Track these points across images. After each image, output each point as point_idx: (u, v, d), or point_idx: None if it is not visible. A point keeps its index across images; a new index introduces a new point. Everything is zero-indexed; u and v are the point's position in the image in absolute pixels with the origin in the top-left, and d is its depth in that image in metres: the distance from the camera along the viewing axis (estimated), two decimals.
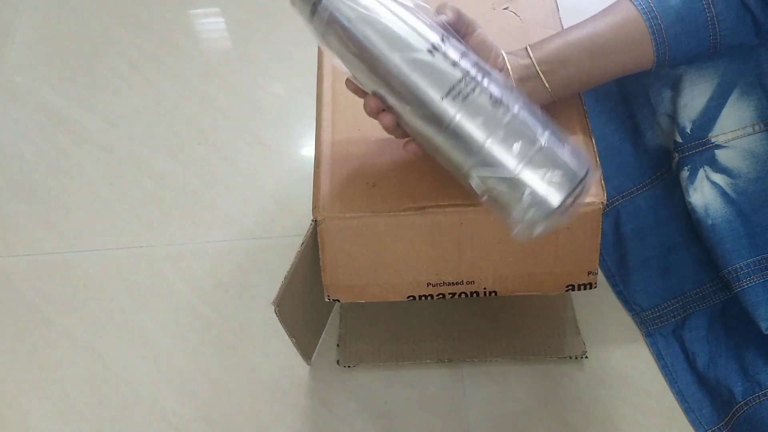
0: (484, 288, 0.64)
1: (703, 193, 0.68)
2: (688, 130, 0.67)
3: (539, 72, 0.57)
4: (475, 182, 0.51)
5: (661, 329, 0.77)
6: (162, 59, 1.12)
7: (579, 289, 0.64)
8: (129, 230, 0.93)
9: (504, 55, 0.58)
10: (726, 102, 0.65)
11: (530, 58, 0.58)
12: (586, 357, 0.77)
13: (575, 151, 0.51)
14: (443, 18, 0.53)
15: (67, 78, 1.11)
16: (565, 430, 0.74)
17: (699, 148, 0.67)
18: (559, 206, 0.49)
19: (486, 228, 0.60)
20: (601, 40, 0.58)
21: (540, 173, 0.49)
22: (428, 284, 0.64)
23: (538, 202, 0.49)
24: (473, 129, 0.49)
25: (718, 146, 0.66)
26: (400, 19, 0.50)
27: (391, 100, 0.51)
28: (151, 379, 0.81)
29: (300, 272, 0.63)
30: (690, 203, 0.69)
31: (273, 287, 0.62)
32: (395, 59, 0.49)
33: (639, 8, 0.57)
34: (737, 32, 0.59)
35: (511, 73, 0.57)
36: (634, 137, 0.76)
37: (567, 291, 0.65)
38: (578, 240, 0.61)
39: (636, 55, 0.59)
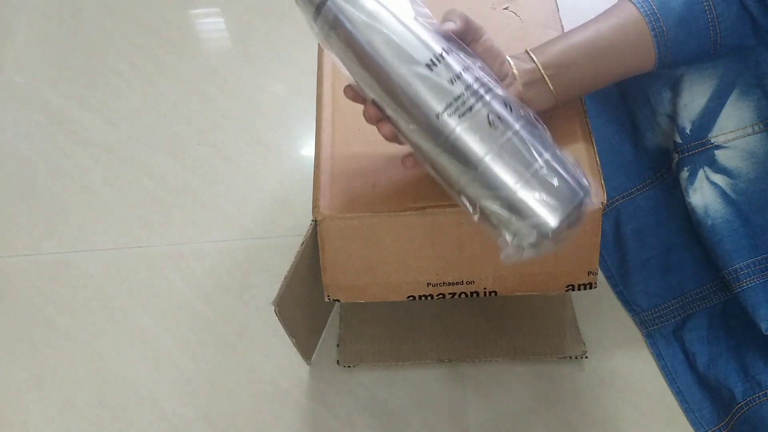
0: (484, 288, 0.64)
1: (703, 194, 0.68)
2: (687, 131, 0.67)
3: (545, 76, 0.57)
4: (467, 200, 0.50)
5: (661, 329, 0.77)
6: (162, 59, 1.12)
7: (579, 289, 0.64)
8: (129, 230, 0.93)
9: (509, 60, 0.56)
10: (725, 102, 0.65)
11: (534, 62, 0.57)
12: (586, 357, 0.77)
13: (575, 175, 0.50)
14: (450, 26, 0.51)
15: (67, 78, 1.11)
16: (565, 430, 0.74)
17: (699, 149, 0.67)
18: (551, 233, 0.48)
19: None
20: (604, 42, 0.58)
21: (534, 197, 0.48)
22: (428, 284, 0.64)
23: (529, 226, 0.48)
24: (469, 147, 0.48)
25: (718, 146, 0.66)
26: (405, 27, 0.49)
27: (389, 110, 0.51)
28: (151, 379, 0.81)
29: (300, 272, 0.63)
30: (690, 204, 0.69)
31: (273, 287, 0.62)
32: (394, 70, 0.48)
33: (641, 10, 0.57)
34: (737, 33, 0.59)
35: (517, 78, 0.56)
36: (634, 137, 0.76)
37: (567, 291, 0.65)
38: (578, 240, 0.61)
39: (638, 58, 0.59)
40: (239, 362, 0.81)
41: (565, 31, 0.69)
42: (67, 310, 0.87)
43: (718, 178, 0.67)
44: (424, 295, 0.65)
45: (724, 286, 0.73)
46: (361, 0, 0.48)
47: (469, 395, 0.77)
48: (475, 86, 0.49)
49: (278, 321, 0.64)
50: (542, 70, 0.56)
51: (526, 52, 0.58)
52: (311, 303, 0.71)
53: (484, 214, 0.50)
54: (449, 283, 0.64)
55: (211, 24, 1.20)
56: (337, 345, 0.80)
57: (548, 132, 0.51)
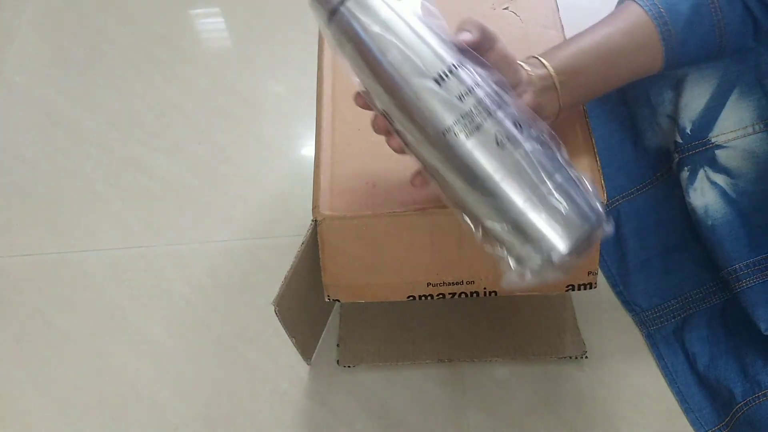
0: (484, 288, 0.64)
1: (703, 194, 0.68)
2: (688, 131, 0.67)
3: (556, 83, 0.56)
4: (471, 220, 0.49)
5: (661, 330, 0.77)
6: (162, 59, 1.12)
7: (579, 289, 0.64)
8: (129, 230, 0.93)
9: (525, 66, 0.55)
10: (726, 102, 0.65)
11: (546, 67, 0.56)
12: (586, 357, 0.77)
13: (587, 200, 0.48)
14: (466, 37, 0.49)
15: (67, 78, 1.11)
16: (565, 430, 0.74)
17: (699, 149, 0.67)
18: (556, 260, 0.46)
19: None
20: (614, 46, 0.57)
21: (541, 222, 0.46)
22: (428, 284, 0.64)
23: (533, 252, 0.47)
24: (475, 166, 0.46)
25: (718, 146, 0.66)
26: (418, 37, 0.47)
27: (397, 123, 0.49)
28: (151, 379, 0.81)
29: (300, 272, 0.63)
30: (690, 204, 0.69)
31: (273, 287, 0.62)
32: (402, 83, 0.47)
33: (649, 13, 0.57)
34: (739, 34, 0.60)
35: (532, 84, 0.55)
36: (633, 137, 0.76)
37: (567, 291, 0.65)
38: None
39: (646, 61, 0.59)
40: (239, 362, 0.81)
41: (565, 29, 0.69)
42: (67, 310, 0.87)
43: (719, 178, 0.67)
44: (424, 295, 0.65)
45: (723, 286, 0.73)
46: (376, 8, 0.47)
47: (469, 395, 0.77)
48: (485, 103, 0.47)
49: (278, 321, 0.64)
50: (554, 77, 0.55)
51: (536, 58, 0.57)
52: (311, 303, 0.71)
53: (488, 236, 0.49)
54: (449, 283, 0.64)
55: (211, 24, 1.20)
56: (337, 345, 0.80)
57: (563, 149, 0.49)
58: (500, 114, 0.47)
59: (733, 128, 0.66)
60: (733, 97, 0.65)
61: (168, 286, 0.88)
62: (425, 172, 0.51)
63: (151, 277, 0.89)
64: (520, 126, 0.47)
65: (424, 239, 0.61)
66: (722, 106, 0.66)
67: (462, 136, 0.46)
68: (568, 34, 0.69)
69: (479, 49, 0.50)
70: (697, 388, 0.73)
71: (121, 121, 1.04)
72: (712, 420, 0.72)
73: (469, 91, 0.47)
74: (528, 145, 0.47)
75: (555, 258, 0.46)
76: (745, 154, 0.66)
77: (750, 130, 0.65)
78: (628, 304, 0.80)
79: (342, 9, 0.47)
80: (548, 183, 0.46)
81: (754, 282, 0.67)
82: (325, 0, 0.48)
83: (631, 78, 0.61)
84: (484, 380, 0.77)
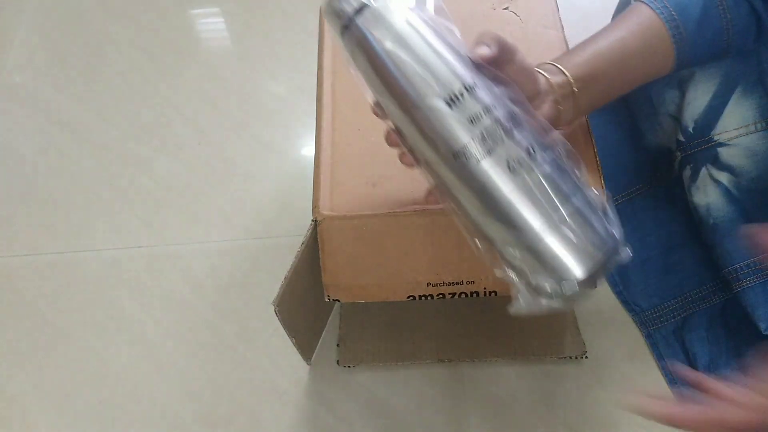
0: (484, 288, 0.64)
1: (706, 192, 0.68)
2: (690, 129, 0.67)
3: (575, 90, 0.54)
4: (482, 242, 0.48)
5: (661, 329, 0.77)
6: (162, 59, 1.12)
7: None
8: (129, 230, 0.93)
9: (545, 74, 0.54)
10: (728, 101, 0.65)
11: (565, 75, 0.54)
12: (586, 357, 0.77)
13: (603, 226, 0.46)
14: (484, 52, 0.47)
15: (67, 78, 1.11)
16: (565, 430, 0.74)
17: (701, 146, 0.67)
18: (566, 290, 0.45)
19: None
20: (629, 51, 0.57)
21: (551, 251, 0.45)
22: (428, 284, 0.64)
23: (543, 280, 0.45)
24: (486, 191, 0.45)
25: (721, 144, 0.66)
26: (433, 53, 0.46)
27: (408, 140, 0.48)
28: (151, 379, 0.81)
29: (300, 272, 0.63)
30: (692, 202, 0.69)
31: (273, 287, 0.62)
32: (414, 103, 0.46)
33: (661, 16, 0.57)
34: (744, 35, 0.60)
35: (553, 93, 0.54)
36: (633, 137, 0.76)
37: None
38: None
39: (659, 64, 0.59)
40: (239, 362, 0.81)
41: (565, 29, 0.69)
42: (67, 310, 0.87)
43: (723, 176, 0.67)
44: (424, 295, 0.65)
45: (723, 285, 0.73)
46: (390, 22, 0.46)
47: (469, 395, 0.77)
48: (498, 127, 0.45)
49: (278, 321, 0.64)
50: (573, 84, 0.54)
51: (554, 65, 0.55)
52: (311, 303, 0.71)
53: (499, 260, 0.48)
54: (449, 283, 0.64)
55: (211, 24, 1.20)
56: (337, 345, 0.80)
57: (582, 168, 0.48)
58: (514, 138, 0.45)
59: (735, 126, 0.66)
60: (736, 96, 0.65)
61: (168, 286, 0.88)
62: (437, 191, 0.50)
63: (151, 277, 0.89)
64: (535, 149, 0.46)
65: (424, 239, 0.61)
66: (725, 104, 0.66)
67: (473, 160, 0.45)
68: (568, 34, 0.69)
69: (497, 63, 0.48)
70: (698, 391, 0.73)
71: (121, 121, 1.04)
72: None
73: (483, 113, 0.45)
74: (542, 170, 0.45)
75: (567, 287, 0.45)
76: (747, 152, 0.66)
77: (752, 128, 0.65)
78: (628, 304, 0.80)
79: (356, 22, 0.46)
80: (562, 209, 0.45)
81: (755, 282, 0.67)
82: (339, 12, 0.47)
83: (644, 81, 0.60)
84: (484, 380, 0.77)
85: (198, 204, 0.95)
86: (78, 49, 1.15)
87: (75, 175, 0.99)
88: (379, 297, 0.65)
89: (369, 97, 0.49)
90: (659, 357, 0.76)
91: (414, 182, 0.60)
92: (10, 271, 0.91)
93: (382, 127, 0.52)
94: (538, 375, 0.77)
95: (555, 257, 0.45)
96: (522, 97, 0.49)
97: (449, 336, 0.79)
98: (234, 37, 1.18)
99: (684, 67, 0.60)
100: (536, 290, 0.46)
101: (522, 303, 0.47)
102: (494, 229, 0.46)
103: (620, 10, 0.70)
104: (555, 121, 0.53)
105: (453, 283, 0.64)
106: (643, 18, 0.57)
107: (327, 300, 0.65)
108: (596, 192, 0.48)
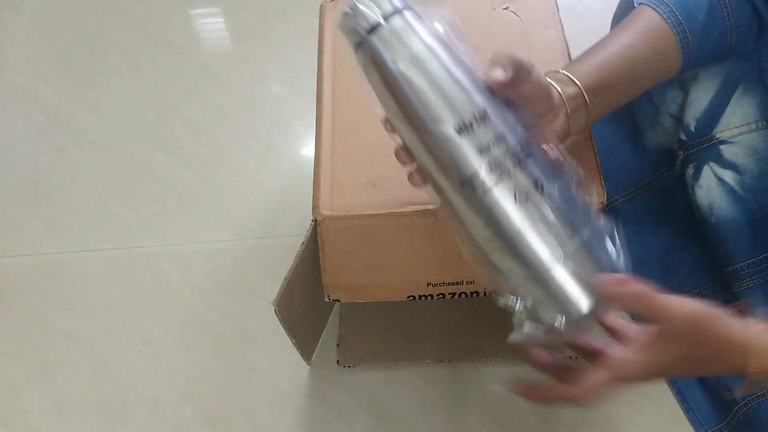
0: (484, 288, 0.64)
1: (709, 191, 0.68)
2: (692, 128, 0.67)
3: (587, 101, 0.54)
4: (482, 268, 0.48)
5: None
6: (162, 59, 1.12)
7: None
8: (129, 230, 0.93)
9: (557, 87, 0.53)
10: (730, 99, 0.66)
11: (576, 85, 0.54)
12: None
13: (609, 258, 0.46)
14: (498, 77, 0.46)
15: (67, 78, 1.11)
16: (565, 430, 0.74)
17: (704, 145, 0.67)
18: (564, 325, 0.45)
19: None
20: (638, 58, 0.56)
21: (554, 286, 0.44)
22: (428, 284, 0.64)
23: (543, 314, 0.45)
24: (492, 222, 0.45)
25: (723, 142, 0.66)
26: (447, 77, 0.45)
27: (417, 161, 0.48)
28: (151, 379, 0.81)
29: (300, 272, 0.63)
30: (695, 201, 0.69)
31: (273, 287, 0.62)
32: (423, 127, 0.45)
33: (668, 21, 0.56)
34: (746, 36, 0.60)
35: (566, 105, 0.53)
36: (633, 137, 0.76)
37: None
38: None
39: (666, 68, 0.59)
40: (239, 362, 0.81)
41: (565, 29, 0.69)
42: (67, 310, 0.87)
43: (727, 174, 0.66)
44: (424, 295, 0.65)
45: (724, 285, 0.73)
46: (407, 41, 0.45)
47: (469, 395, 0.77)
48: (507, 158, 0.44)
49: (278, 321, 0.64)
50: (585, 95, 0.54)
51: (565, 74, 0.54)
52: (311, 303, 0.71)
53: (502, 289, 0.47)
54: (449, 283, 0.64)
55: (211, 24, 1.20)
56: (337, 345, 0.80)
57: (591, 197, 0.47)
58: (523, 169, 0.45)
59: (737, 124, 0.66)
60: (737, 94, 0.65)
61: (168, 286, 0.88)
62: (443, 212, 0.49)
63: (151, 277, 0.89)
64: (544, 181, 0.45)
65: (424, 239, 0.61)
66: (726, 102, 0.66)
67: (480, 190, 0.44)
68: (568, 34, 0.69)
69: (512, 83, 0.47)
70: (697, 388, 0.73)
71: (121, 121, 1.04)
72: (712, 420, 0.72)
73: (493, 143, 0.44)
74: (550, 203, 0.45)
75: (571, 321, 0.45)
76: (750, 150, 0.66)
77: (753, 126, 0.65)
78: None
79: (371, 39, 0.45)
80: (569, 243, 0.44)
81: (754, 282, 0.67)
82: (354, 28, 0.46)
83: (651, 86, 0.61)
84: (484, 380, 0.77)
85: (198, 204, 0.95)
86: (78, 49, 1.15)
87: (75, 175, 0.99)
88: (379, 297, 0.65)
89: (380, 112, 0.49)
90: None
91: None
92: (10, 271, 0.91)
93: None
94: (537, 375, 0.77)
95: (560, 291, 0.44)
96: (535, 120, 0.48)
97: (449, 336, 0.79)
98: (234, 37, 1.18)
99: (688, 69, 0.60)
100: (539, 321, 0.46)
101: (523, 333, 0.47)
102: (499, 259, 0.46)
103: (622, 11, 0.70)
104: (566, 133, 0.53)
105: (453, 283, 0.64)
106: (651, 23, 0.57)
107: (327, 300, 0.65)
108: (605, 220, 0.47)
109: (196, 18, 1.20)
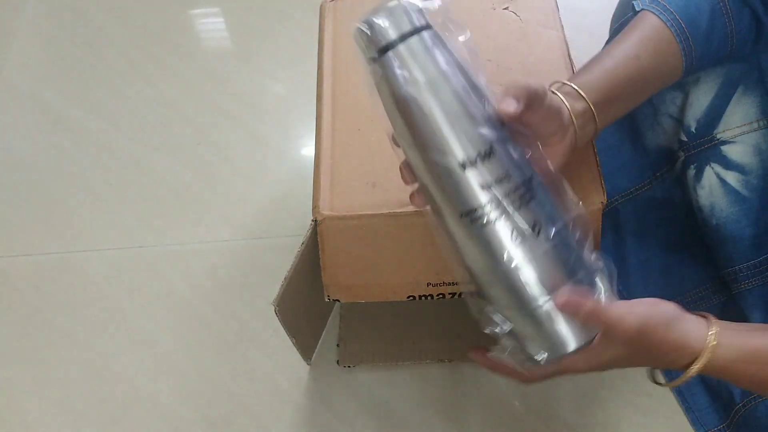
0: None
1: (711, 192, 0.68)
2: (693, 129, 0.67)
3: (595, 116, 0.54)
4: (473, 297, 0.49)
5: None
6: (162, 59, 1.12)
7: None
8: (129, 230, 0.93)
9: (567, 104, 0.52)
10: (730, 99, 0.66)
11: (584, 100, 0.53)
12: None
13: (600, 299, 0.47)
14: (510, 109, 0.45)
15: (67, 78, 1.11)
16: (565, 430, 0.74)
17: (705, 145, 0.67)
18: (548, 361, 0.47)
19: None
20: (644, 69, 0.56)
21: (541, 325, 0.45)
22: (428, 284, 0.64)
23: (527, 347, 0.47)
24: (485, 256, 0.45)
25: (724, 142, 0.66)
26: (460, 106, 0.44)
27: (419, 183, 0.48)
28: (151, 379, 0.81)
29: (300, 272, 0.63)
30: (696, 202, 0.69)
31: (273, 287, 0.62)
32: (430, 157, 0.45)
33: (672, 29, 0.56)
34: (745, 41, 0.60)
35: (575, 122, 0.53)
36: (633, 137, 0.76)
37: None
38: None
39: (669, 76, 0.59)
40: (239, 362, 0.81)
41: (565, 29, 0.69)
42: (67, 311, 0.87)
43: (730, 176, 0.66)
44: (424, 295, 0.65)
45: (723, 286, 0.73)
46: (423, 65, 0.44)
47: (469, 395, 0.77)
48: (509, 197, 0.44)
49: (278, 321, 0.64)
50: (593, 109, 0.54)
51: (574, 88, 0.54)
52: (311, 303, 0.71)
53: (477, 315, 0.49)
54: (449, 283, 0.64)
55: (211, 24, 1.20)
56: (337, 345, 0.80)
57: (589, 238, 0.48)
58: (523, 209, 0.45)
59: (738, 124, 0.66)
60: (738, 95, 0.65)
61: (168, 286, 0.88)
62: (441, 236, 0.50)
63: (151, 277, 0.89)
64: (543, 223, 0.45)
65: (424, 239, 0.61)
66: (727, 103, 0.66)
67: (478, 224, 0.45)
68: (568, 34, 0.69)
69: (524, 111, 0.47)
70: (698, 388, 0.73)
71: (121, 121, 1.04)
72: (713, 420, 0.72)
73: (496, 182, 0.44)
74: (546, 245, 0.45)
75: (554, 358, 0.47)
76: (754, 150, 0.66)
77: (755, 125, 0.65)
78: None
79: (387, 56, 0.44)
80: (560, 285, 0.45)
81: (753, 285, 0.67)
82: (369, 43, 0.45)
83: (654, 93, 0.61)
84: (484, 380, 0.77)
85: (198, 204, 0.95)
86: (78, 49, 1.15)
87: (75, 175, 0.99)
88: (379, 297, 0.65)
89: (387, 128, 0.48)
90: None
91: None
92: (10, 271, 0.91)
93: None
94: None
95: (547, 330, 0.46)
96: (542, 155, 0.48)
97: (449, 336, 0.79)
98: (234, 37, 1.18)
99: (689, 74, 0.60)
100: (521, 352, 0.47)
101: (505, 355, 0.49)
102: (490, 289, 0.47)
103: (621, 11, 0.70)
104: (573, 148, 0.53)
105: (453, 283, 0.64)
106: (654, 31, 0.57)
107: (327, 300, 0.65)
108: (600, 263, 0.48)
109: (196, 18, 1.20)
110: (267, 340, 0.82)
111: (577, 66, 0.66)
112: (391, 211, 0.59)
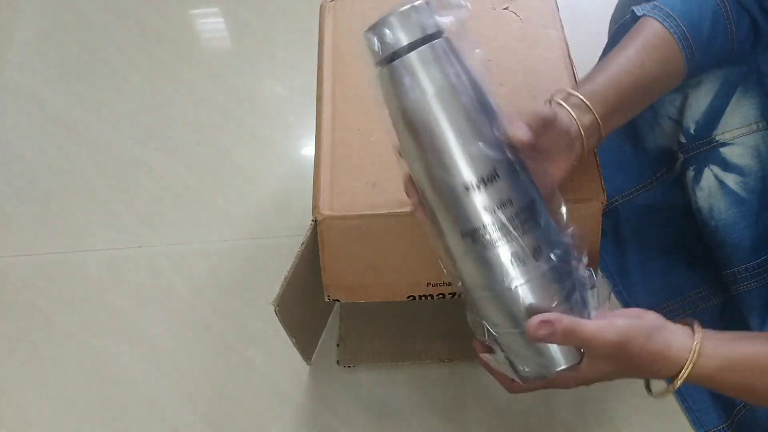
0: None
1: (710, 193, 0.68)
2: (692, 131, 0.67)
3: (601, 128, 0.54)
4: (471, 309, 0.49)
5: None
6: (162, 59, 1.12)
7: None
8: (129, 230, 0.93)
9: (572, 113, 0.52)
10: (729, 101, 0.66)
11: (592, 112, 0.53)
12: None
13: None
14: (522, 137, 0.45)
15: (67, 78, 1.11)
16: (565, 430, 0.74)
17: (704, 147, 0.67)
18: (538, 377, 0.47)
19: None
20: (648, 77, 0.56)
21: (536, 346, 0.46)
22: (428, 284, 0.64)
23: (522, 366, 0.47)
24: (483, 277, 0.46)
25: (723, 144, 0.66)
26: (468, 124, 0.43)
27: (421, 194, 0.47)
28: (151, 379, 0.81)
29: (300, 272, 0.63)
30: (695, 203, 0.69)
31: (273, 287, 0.62)
32: (434, 175, 0.44)
33: (675, 36, 0.56)
34: (745, 44, 0.60)
35: (583, 136, 0.52)
36: (633, 139, 0.76)
37: None
38: (578, 240, 0.61)
39: (671, 83, 0.59)
40: (239, 362, 0.81)
41: (565, 29, 0.69)
42: (67, 310, 0.87)
43: (730, 178, 0.66)
44: (424, 295, 0.65)
45: (722, 287, 0.73)
46: (433, 77, 0.43)
47: (469, 395, 0.77)
48: (510, 222, 0.44)
49: (278, 321, 0.64)
50: (599, 121, 0.54)
51: (582, 100, 0.53)
52: (311, 303, 0.71)
53: (472, 326, 0.49)
54: (449, 283, 0.64)
55: (211, 24, 1.20)
56: (337, 345, 0.80)
57: (585, 262, 0.48)
58: (524, 235, 0.44)
59: (737, 125, 0.66)
60: (736, 96, 0.65)
61: (168, 286, 0.88)
62: (441, 252, 0.49)
63: (151, 277, 0.89)
64: (542, 246, 0.45)
65: (424, 239, 0.61)
66: (726, 104, 0.66)
67: (479, 245, 0.44)
68: (568, 34, 0.69)
69: (535, 137, 0.46)
70: (698, 388, 0.73)
71: (121, 121, 1.04)
72: (713, 420, 0.72)
73: (498, 207, 0.44)
74: (544, 267, 0.45)
75: (544, 375, 0.47)
76: (753, 151, 0.66)
77: (754, 127, 0.65)
78: (628, 304, 0.79)
79: (395, 65, 0.43)
80: (555, 308, 0.45)
81: (752, 286, 0.67)
82: (379, 47, 0.43)
83: (655, 100, 0.61)
84: (484, 380, 0.77)
85: (198, 204, 0.95)
86: (78, 49, 1.15)
87: (75, 175, 0.99)
88: (379, 297, 0.65)
89: (392, 139, 0.47)
90: None
91: None
92: (10, 271, 0.91)
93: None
94: None
95: (536, 352, 0.46)
96: (546, 170, 0.48)
97: (449, 336, 0.79)
98: (234, 37, 1.18)
99: (690, 78, 0.61)
100: (513, 366, 0.48)
101: (497, 363, 0.49)
102: (484, 307, 0.47)
103: (620, 13, 0.70)
104: (579, 160, 0.53)
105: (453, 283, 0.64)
106: (657, 38, 0.57)
107: (327, 300, 0.65)
108: (593, 280, 0.48)
109: (196, 18, 1.20)
110: (267, 340, 0.82)
111: (578, 66, 0.66)
112: (391, 211, 0.59)
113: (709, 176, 0.67)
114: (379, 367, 0.79)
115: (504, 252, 0.44)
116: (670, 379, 0.48)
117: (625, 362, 0.47)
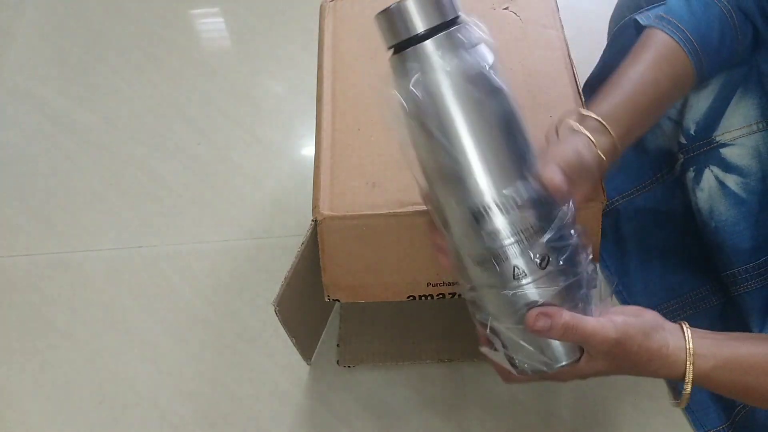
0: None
1: (710, 194, 0.68)
2: (692, 131, 0.67)
3: (618, 147, 0.53)
4: (477, 310, 0.49)
5: None
6: (162, 59, 1.12)
7: None
8: (129, 230, 0.93)
9: (591, 138, 0.51)
10: (730, 102, 0.66)
11: (610, 134, 0.52)
12: None
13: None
14: (557, 184, 0.43)
15: (67, 78, 1.11)
16: (565, 430, 0.74)
17: (704, 148, 0.67)
18: (546, 371, 0.47)
19: None
20: (662, 94, 0.56)
21: (539, 345, 0.46)
22: (428, 284, 0.64)
23: (524, 362, 0.48)
24: (491, 281, 0.45)
25: (723, 144, 0.66)
26: (488, 147, 0.42)
27: (435, 208, 0.47)
28: (151, 379, 0.81)
29: (300, 272, 0.63)
30: (695, 204, 0.69)
31: (273, 287, 0.62)
32: (444, 198, 0.44)
33: (685, 49, 0.56)
34: (747, 50, 0.60)
35: (604, 165, 0.51)
36: None
37: None
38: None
39: (681, 94, 0.59)
40: (239, 362, 0.81)
41: (565, 29, 0.69)
42: (67, 310, 0.87)
43: (730, 179, 0.66)
44: (424, 295, 0.65)
45: (722, 288, 0.73)
46: (455, 85, 0.41)
47: (469, 395, 0.77)
48: (526, 238, 0.43)
49: (278, 321, 0.64)
50: (617, 143, 0.53)
51: (600, 123, 0.52)
52: (311, 303, 0.71)
53: (482, 322, 0.48)
54: (449, 283, 0.64)
55: (211, 24, 1.20)
56: (337, 345, 0.80)
57: (588, 258, 0.47)
58: (537, 246, 0.44)
59: (737, 126, 0.66)
60: (737, 97, 0.65)
61: (168, 286, 0.88)
62: (451, 260, 0.49)
63: (151, 277, 0.89)
64: (552, 254, 0.44)
65: (424, 239, 0.61)
66: (726, 105, 0.66)
67: (494, 269, 0.44)
68: (568, 34, 0.69)
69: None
70: (698, 388, 0.73)
71: (122, 121, 1.04)
72: (713, 421, 0.72)
73: (506, 236, 0.43)
74: (552, 273, 0.44)
75: (544, 370, 0.47)
76: (753, 152, 0.66)
77: (754, 128, 0.65)
78: (628, 303, 0.79)
79: (415, 51, 0.41)
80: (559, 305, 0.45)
81: (751, 287, 0.67)
82: (399, 29, 0.40)
83: (664, 114, 0.61)
84: (484, 380, 0.77)
85: (198, 204, 0.95)
86: (78, 49, 1.15)
87: (75, 175, 0.99)
88: (379, 297, 0.65)
89: (405, 151, 0.45)
90: None
91: (414, 182, 0.60)
92: (10, 271, 0.91)
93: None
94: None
95: (541, 347, 0.46)
96: (572, 216, 0.47)
97: (449, 336, 0.79)
98: (234, 37, 1.18)
99: (698, 85, 0.61)
100: (512, 361, 0.48)
101: (496, 357, 0.49)
102: (488, 304, 0.47)
103: (619, 17, 0.71)
104: (598, 181, 0.53)
105: (453, 283, 0.64)
106: (668, 51, 0.56)
107: (327, 300, 0.65)
108: (596, 277, 0.48)
109: (196, 18, 1.20)
110: (267, 340, 0.82)
111: (577, 66, 0.66)
112: (391, 211, 0.59)
113: (709, 177, 0.67)
114: (379, 367, 0.79)
115: (516, 261, 0.44)
116: (682, 385, 0.49)
117: (623, 359, 0.48)
